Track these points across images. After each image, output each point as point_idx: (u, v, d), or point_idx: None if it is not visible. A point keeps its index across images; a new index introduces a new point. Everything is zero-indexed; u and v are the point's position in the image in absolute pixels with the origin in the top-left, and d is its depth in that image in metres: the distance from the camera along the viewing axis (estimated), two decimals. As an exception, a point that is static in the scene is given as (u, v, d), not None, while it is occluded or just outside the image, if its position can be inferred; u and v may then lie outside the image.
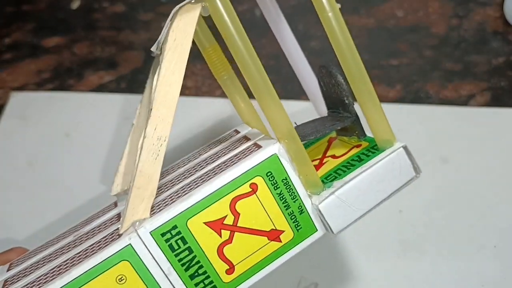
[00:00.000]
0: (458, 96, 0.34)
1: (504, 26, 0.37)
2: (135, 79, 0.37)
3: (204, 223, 0.18)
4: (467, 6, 0.38)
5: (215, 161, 0.20)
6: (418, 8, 0.38)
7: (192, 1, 0.18)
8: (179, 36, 0.18)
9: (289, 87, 0.33)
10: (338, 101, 0.21)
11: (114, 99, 0.35)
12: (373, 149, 0.20)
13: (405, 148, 0.19)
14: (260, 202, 0.19)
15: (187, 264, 0.18)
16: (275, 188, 0.19)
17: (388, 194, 0.19)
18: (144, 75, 0.37)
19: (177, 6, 0.18)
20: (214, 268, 0.18)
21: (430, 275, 0.28)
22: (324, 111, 0.23)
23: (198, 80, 0.36)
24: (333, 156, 0.21)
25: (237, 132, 0.22)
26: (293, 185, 0.19)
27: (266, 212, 0.19)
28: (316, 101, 0.23)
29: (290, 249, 0.19)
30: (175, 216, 0.18)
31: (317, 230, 0.19)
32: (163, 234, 0.17)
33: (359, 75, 0.19)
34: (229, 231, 0.18)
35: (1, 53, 0.39)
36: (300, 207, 0.19)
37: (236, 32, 0.17)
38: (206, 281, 0.18)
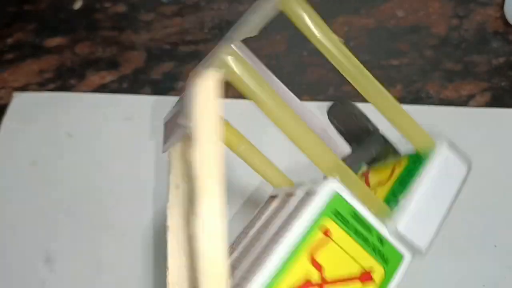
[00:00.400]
0: (458, 96, 0.34)
1: (505, 26, 0.37)
2: (136, 79, 0.37)
3: None
4: (467, 6, 0.39)
5: (271, 226, 0.18)
6: (419, 8, 0.39)
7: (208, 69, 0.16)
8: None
9: (290, 87, 0.33)
10: (360, 131, 0.20)
11: (116, 99, 0.35)
12: (418, 160, 0.19)
13: (449, 145, 0.19)
14: (339, 246, 0.17)
15: None
16: (348, 226, 0.17)
17: (454, 194, 0.19)
18: (145, 75, 0.37)
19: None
20: None
21: (430, 275, 0.28)
22: (344, 150, 0.22)
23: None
24: (380, 183, 0.20)
25: (274, 197, 0.20)
26: (364, 217, 0.18)
27: (349, 255, 0.17)
28: (331, 143, 0.23)
29: (387, 285, 0.17)
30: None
31: (403, 255, 0.18)
32: None
33: (379, 92, 0.19)
34: None
35: (3, 53, 0.39)
36: (379, 238, 0.18)
37: (262, 91, 0.17)
38: None
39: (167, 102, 0.35)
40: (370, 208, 0.18)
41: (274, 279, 0.16)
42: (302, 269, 0.16)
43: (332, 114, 0.22)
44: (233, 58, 0.16)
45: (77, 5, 0.41)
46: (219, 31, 0.39)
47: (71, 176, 0.32)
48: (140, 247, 0.29)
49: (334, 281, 0.17)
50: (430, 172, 0.19)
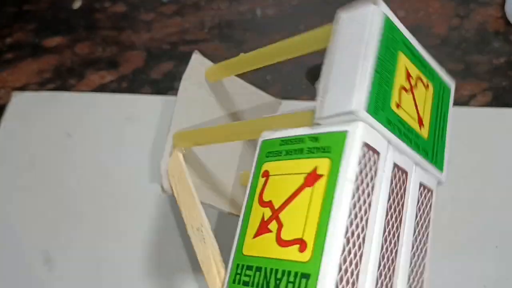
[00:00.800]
0: (459, 96, 0.34)
1: (505, 26, 0.37)
2: (136, 78, 0.37)
3: (253, 238, 0.17)
4: (468, 6, 0.38)
5: None
6: (419, 8, 0.38)
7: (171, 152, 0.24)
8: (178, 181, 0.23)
9: (289, 87, 0.33)
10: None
11: (116, 99, 0.35)
12: None
13: (350, 9, 0.18)
14: (278, 175, 0.18)
15: (268, 283, 0.16)
16: (280, 154, 0.18)
17: (374, 42, 0.17)
18: (145, 74, 0.37)
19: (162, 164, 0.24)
20: (290, 260, 0.16)
21: (431, 275, 0.28)
22: None
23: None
24: None
25: None
26: (290, 136, 0.18)
27: (288, 174, 0.17)
28: None
29: (339, 167, 0.16)
30: (233, 258, 0.18)
31: (345, 130, 0.16)
32: (234, 280, 0.17)
33: (266, 53, 0.23)
34: (275, 221, 0.17)
35: (3, 53, 0.39)
36: (312, 138, 0.17)
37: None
38: (293, 280, 0.16)
39: (167, 101, 0.35)
40: (295, 125, 0.18)
41: (240, 239, 0.18)
42: (256, 216, 0.18)
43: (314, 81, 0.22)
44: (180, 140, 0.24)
45: (76, 5, 0.41)
46: (219, 30, 0.39)
47: (70, 176, 0.32)
48: (139, 248, 0.29)
49: (284, 205, 0.17)
50: (333, 42, 0.18)
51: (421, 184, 0.19)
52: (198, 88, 0.27)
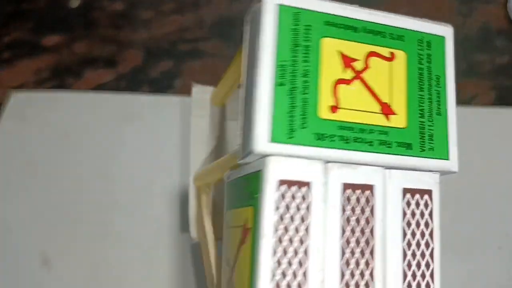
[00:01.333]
0: (462, 96, 0.34)
1: (509, 25, 0.37)
2: (135, 78, 0.37)
3: None
4: (470, 5, 0.38)
5: None
6: (421, 7, 0.38)
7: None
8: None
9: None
10: None
11: (114, 98, 0.35)
12: None
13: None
14: (232, 228, 0.16)
15: None
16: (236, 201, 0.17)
17: (269, 49, 0.14)
18: (144, 73, 0.37)
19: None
20: None
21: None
22: None
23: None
24: None
25: None
26: (231, 182, 0.17)
27: (235, 227, 0.15)
28: None
29: (257, 219, 0.13)
30: None
31: (260, 170, 0.14)
32: None
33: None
34: (233, 284, 0.15)
35: (0, 52, 0.38)
36: (243, 181, 0.15)
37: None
38: None
39: (166, 101, 0.34)
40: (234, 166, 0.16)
41: None
42: (225, 275, 0.16)
43: None
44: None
45: (75, 3, 0.41)
46: (219, 29, 0.38)
47: (68, 176, 0.32)
48: (138, 249, 0.29)
49: (234, 264, 0.15)
50: (242, 57, 0.15)
51: (405, 190, 0.15)
52: (208, 118, 0.26)
